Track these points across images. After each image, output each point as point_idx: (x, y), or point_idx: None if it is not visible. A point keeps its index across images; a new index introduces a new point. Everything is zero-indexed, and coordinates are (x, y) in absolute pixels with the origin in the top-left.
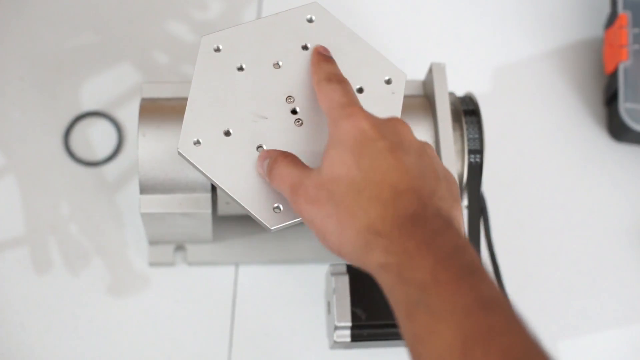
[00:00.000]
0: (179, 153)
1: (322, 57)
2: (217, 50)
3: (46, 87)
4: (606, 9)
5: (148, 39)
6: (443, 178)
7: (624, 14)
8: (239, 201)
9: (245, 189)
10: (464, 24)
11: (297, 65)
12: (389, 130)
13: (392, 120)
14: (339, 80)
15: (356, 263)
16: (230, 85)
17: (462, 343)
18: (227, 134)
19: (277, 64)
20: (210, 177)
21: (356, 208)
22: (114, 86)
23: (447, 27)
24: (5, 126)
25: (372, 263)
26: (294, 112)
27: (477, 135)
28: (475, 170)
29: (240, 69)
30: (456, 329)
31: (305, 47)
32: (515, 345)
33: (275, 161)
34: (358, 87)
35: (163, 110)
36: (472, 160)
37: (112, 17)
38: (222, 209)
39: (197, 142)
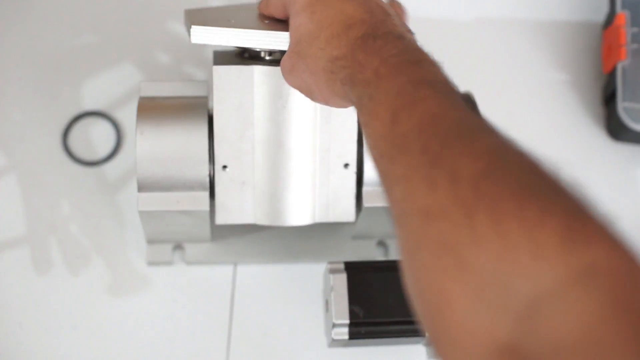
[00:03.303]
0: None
1: None
2: None
3: (46, 87)
4: (604, 8)
5: (148, 39)
6: (393, 14)
7: (622, 13)
8: None
9: None
10: (463, 23)
11: None
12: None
13: None
14: None
15: (342, 102)
16: None
17: (392, 115)
18: None
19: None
20: None
21: (318, 50)
22: (114, 86)
23: (447, 27)
24: (4, 126)
25: (340, 88)
26: None
27: None
28: None
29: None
30: (388, 106)
31: None
32: (435, 105)
33: None
34: None
35: (161, 109)
36: None
37: (112, 17)
38: (220, 218)
39: None
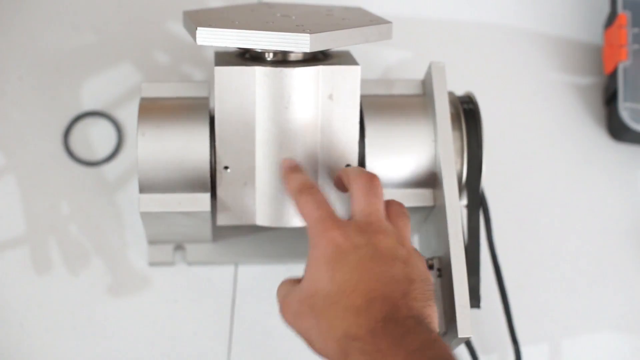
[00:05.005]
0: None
1: (290, 169)
2: None
3: (46, 87)
4: (606, 9)
5: (148, 39)
6: (418, 280)
7: (623, 14)
8: None
9: None
10: (464, 24)
11: None
12: (364, 241)
13: (369, 230)
14: (310, 191)
15: None
16: None
17: None
18: None
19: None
20: None
21: (334, 319)
22: (114, 86)
23: (447, 27)
24: (5, 126)
25: None
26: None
27: (476, 135)
28: (475, 170)
29: None
30: None
31: None
32: None
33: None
34: None
35: (162, 110)
36: (471, 159)
37: (112, 17)
38: (221, 219)
39: None
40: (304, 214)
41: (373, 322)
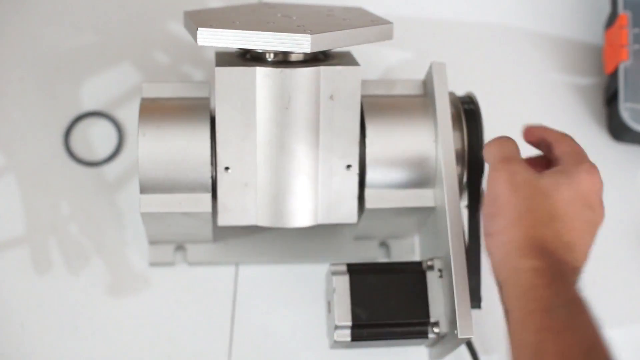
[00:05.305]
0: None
1: None
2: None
3: (46, 87)
4: (606, 9)
5: (148, 39)
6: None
7: (624, 14)
8: None
9: None
10: (464, 24)
11: None
12: (601, 204)
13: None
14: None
15: (501, 255)
16: None
17: (587, 346)
18: None
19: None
20: None
21: (548, 225)
22: (114, 86)
23: (447, 27)
24: (5, 126)
25: (526, 264)
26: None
27: (477, 135)
28: (475, 170)
29: None
30: (586, 332)
31: None
32: None
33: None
34: None
35: (163, 110)
36: (471, 159)
37: (112, 17)
38: (222, 219)
39: None
40: (569, 144)
41: (565, 261)
